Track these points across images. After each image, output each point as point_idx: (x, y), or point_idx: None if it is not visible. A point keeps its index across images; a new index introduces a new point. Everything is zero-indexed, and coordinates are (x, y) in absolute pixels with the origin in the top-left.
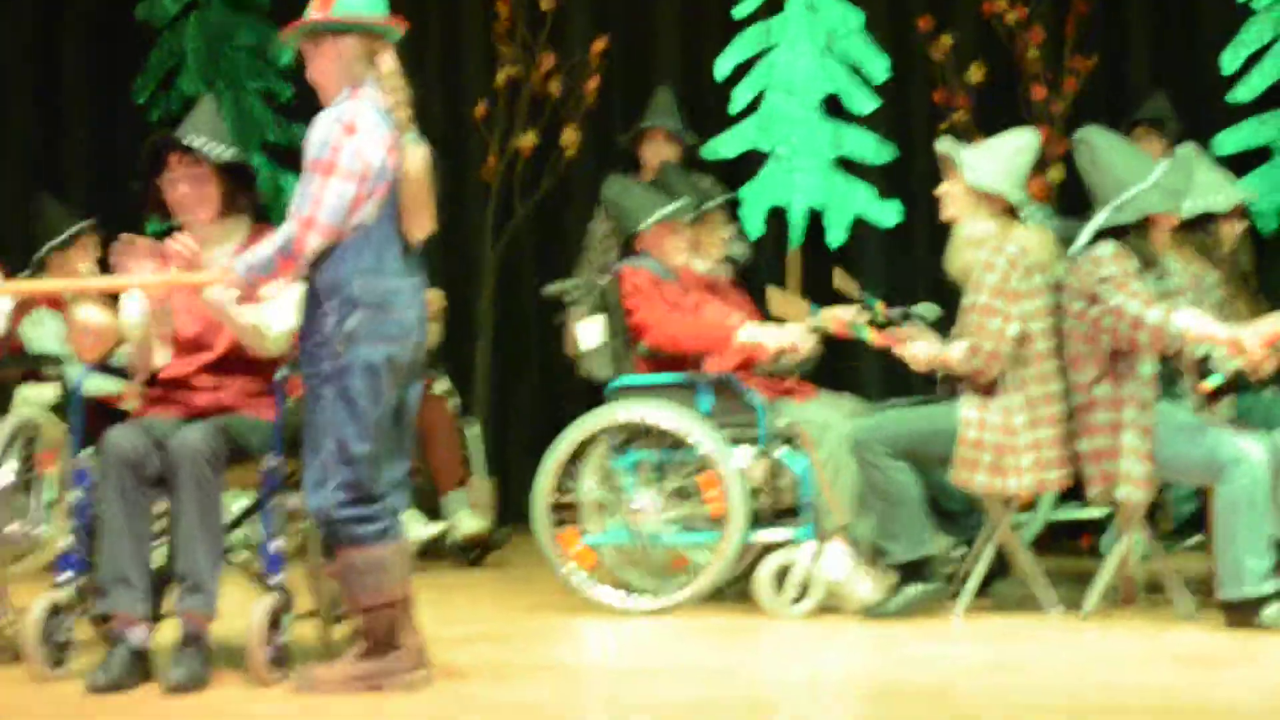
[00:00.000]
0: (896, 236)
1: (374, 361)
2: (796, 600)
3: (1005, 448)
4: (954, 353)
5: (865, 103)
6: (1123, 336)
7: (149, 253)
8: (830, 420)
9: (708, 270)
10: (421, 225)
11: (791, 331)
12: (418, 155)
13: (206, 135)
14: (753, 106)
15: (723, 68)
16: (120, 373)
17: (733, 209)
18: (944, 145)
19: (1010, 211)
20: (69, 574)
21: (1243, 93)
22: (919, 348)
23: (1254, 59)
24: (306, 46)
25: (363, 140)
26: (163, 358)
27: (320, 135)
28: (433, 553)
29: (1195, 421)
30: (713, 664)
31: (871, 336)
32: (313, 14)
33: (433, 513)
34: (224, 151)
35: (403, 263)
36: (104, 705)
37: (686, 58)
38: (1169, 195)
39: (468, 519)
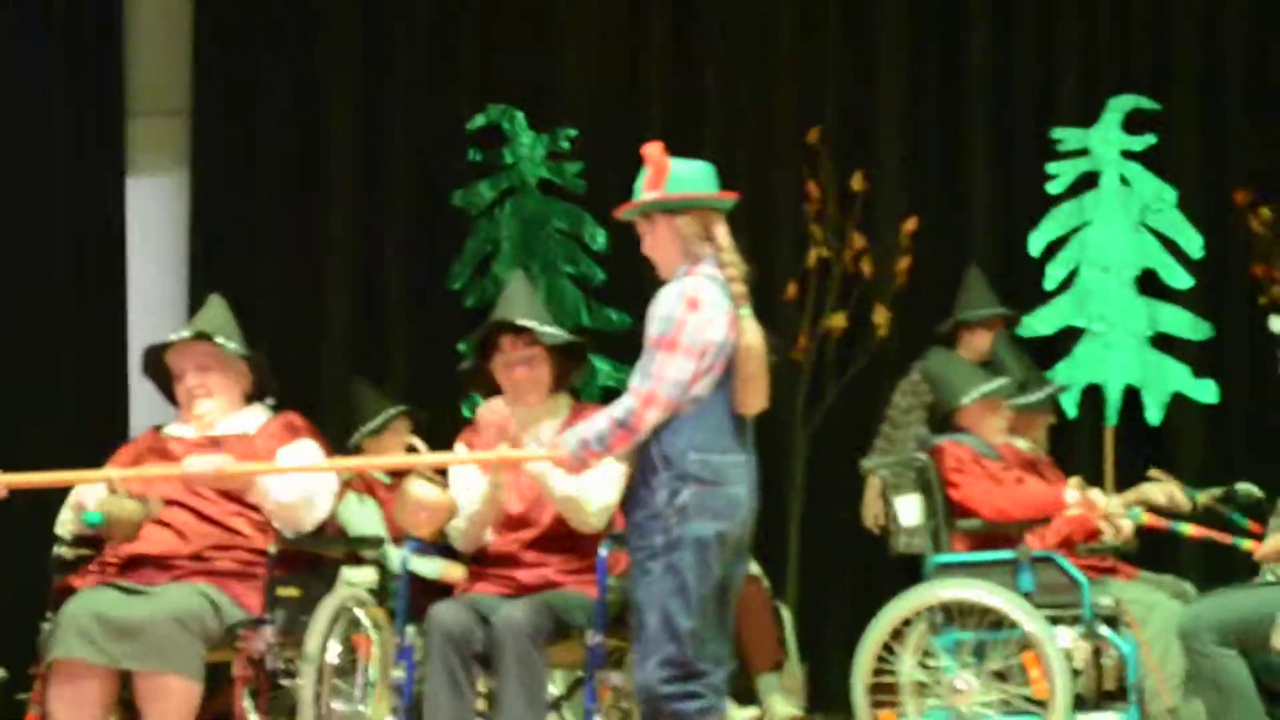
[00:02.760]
0: (1212, 415)
1: (704, 536)
2: None
3: None
4: None
5: (1180, 279)
6: None
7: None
8: (1155, 599)
9: (1029, 449)
10: (755, 401)
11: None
12: (753, 330)
13: (533, 317)
14: (1067, 283)
15: (1036, 244)
16: (443, 551)
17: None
18: (1277, 324)
19: None
20: None
21: None
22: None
23: None
24: (642, 224)
25: (704, 316)
26: (489, 535)
27: (664, 310)
28: None
29: None
30: None
31: (1190, 531)
32: (646, 193)
33: (743, 696)
34: (558, 335)
35: (735, 438)
36: None
37: (999, 235)
38: None
39: (781, 703)
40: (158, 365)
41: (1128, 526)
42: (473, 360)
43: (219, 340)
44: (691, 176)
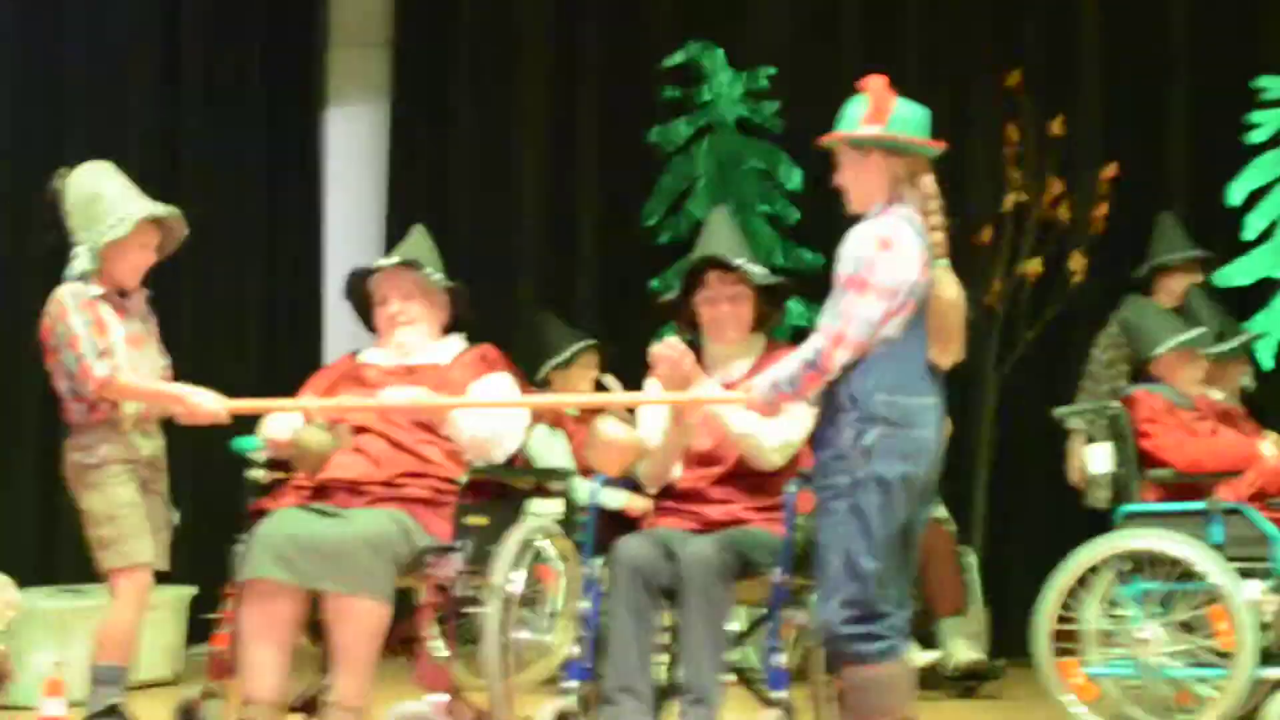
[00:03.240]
0: None
1: (889, 478)
2: None
3: None
4: None
5: None
6: None
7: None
8: None
9: (1224, 399)
10: (950, 352)
11: None
12: (951, 283)
13: (738, 255)
14: (1266, 234)
15: (1236, 194)
16: (630, 485)
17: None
18: None
19: None
20: (574, 683)
21: None
22: None
23: None
24: (849, 154)
25: (897, 257)
26: (676, 471)
27: (855, 250)
28: (927, 682)
29: None
30: None
31: None
32: (864, 125)
33: (926, 639)
34: (767, 276)
35: (925, 381)
36: None
37: (1197, 183)
38: None
39: (963, 648)
40: (359, 290)
41: None
42: (677, 293)
43: (426, 270)
44: (913, 119)
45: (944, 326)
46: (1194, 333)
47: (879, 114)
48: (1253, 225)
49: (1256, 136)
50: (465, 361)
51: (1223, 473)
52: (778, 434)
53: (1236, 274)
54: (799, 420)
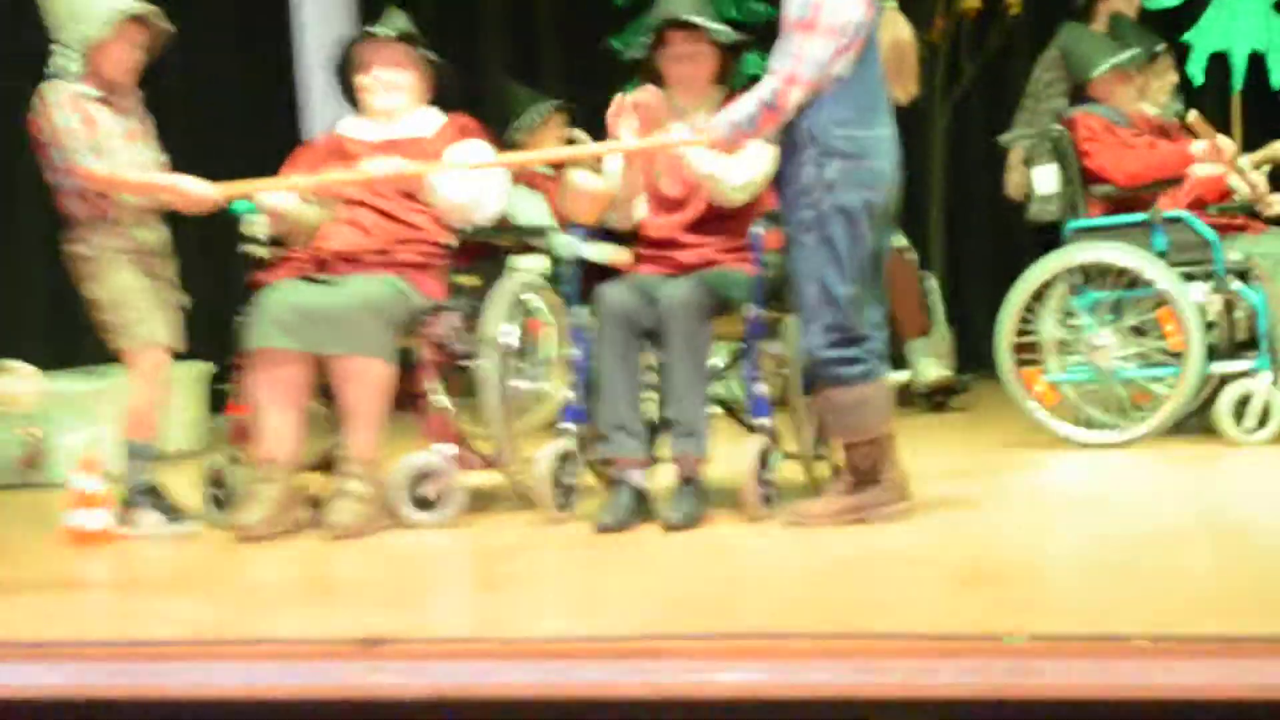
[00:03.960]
0: None
1: (852, 207)
2: (1257, 428)
3: None
4: None
5: None
6: None
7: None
8: None
9: (1157, 114)
10: (906, 88)
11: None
12: (901, 22)
13: (699, 13)
14: None
15: None
16: (606, 236)
17: (1179, 55)
18: None
19: None
20: (571, 424)
21: None
22: None
23: None
24: None
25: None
26: (640, 211)
27: None
28: (898, 399)
29: None
30: (1179, 490)
31: None
32: None
33: (895, 361)
34: (728, 33)
35: (878, 114)
36: (610, 542)
37: None
38: None
39: (931, 366)
40: (344, 61)
41: (1261, 182)
42: (642, 51)
43: (419, 45)
44: None
45: (898, 64)
46: (1127, 54)
47: None
48: None
49: None
50: (444, 133)
51: (1162, 183)
52: (740, 173)
53: None
54: (760, 159)
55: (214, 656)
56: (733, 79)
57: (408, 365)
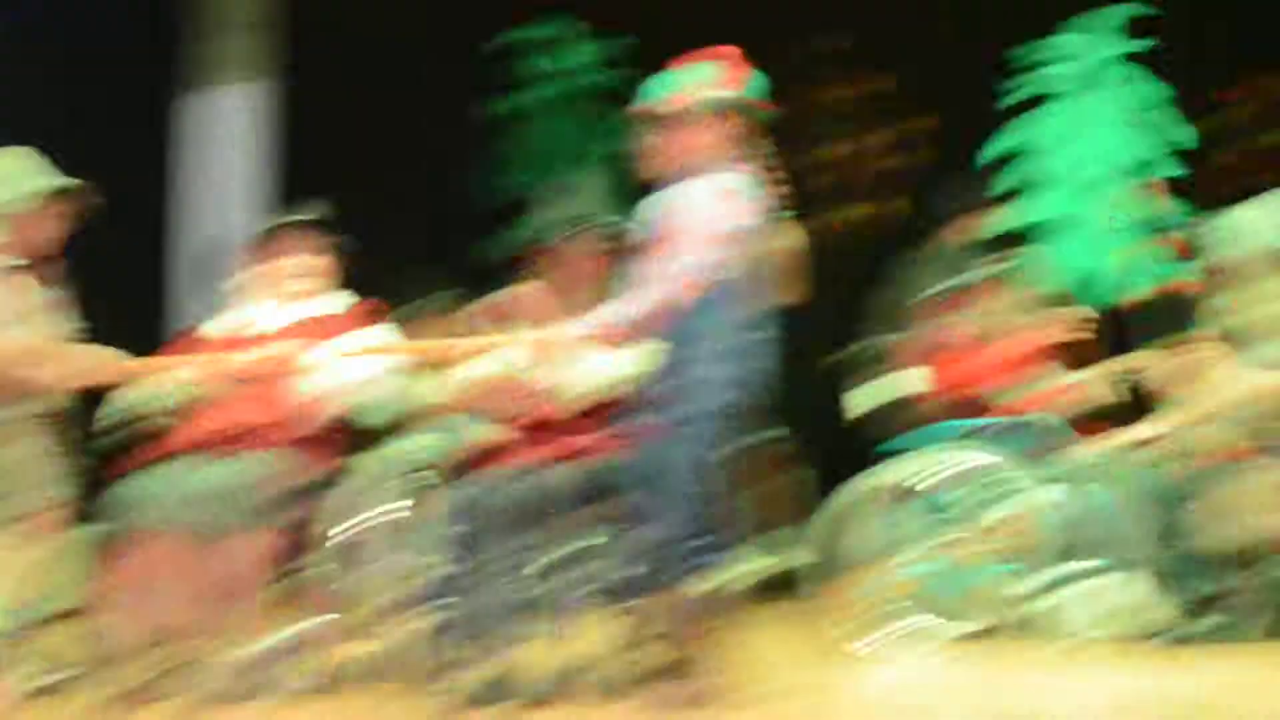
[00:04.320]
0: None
1: (728, 405)
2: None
3: None
4: None
5: (1172, 169)
6: None
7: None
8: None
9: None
10: (793, 292)
11: None
12: (792, 231)
13: (607, 215)
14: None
15: (995, 145)
16: (494, 420)
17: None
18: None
19: None
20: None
21: None
22: None
23: None
24: (705, 117)
25: (736, 206)
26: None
27: (699, 199)
28: (760, 588)
29: None
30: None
31: None
32: (723, 89)
33: (759, 549)
34: (620, 230)
35: (759, 318)
36: None
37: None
38: None
39: (794, 556)
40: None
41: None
42: (551, 245)
43: (326, 231)
44: (759, 86)
45: (785, 269)
46: (951, 281)
47: (737, 80)
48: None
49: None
50: (349, 316)
51: (994, 391)
52: (582, 384)
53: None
54: (621, 363)
55: None
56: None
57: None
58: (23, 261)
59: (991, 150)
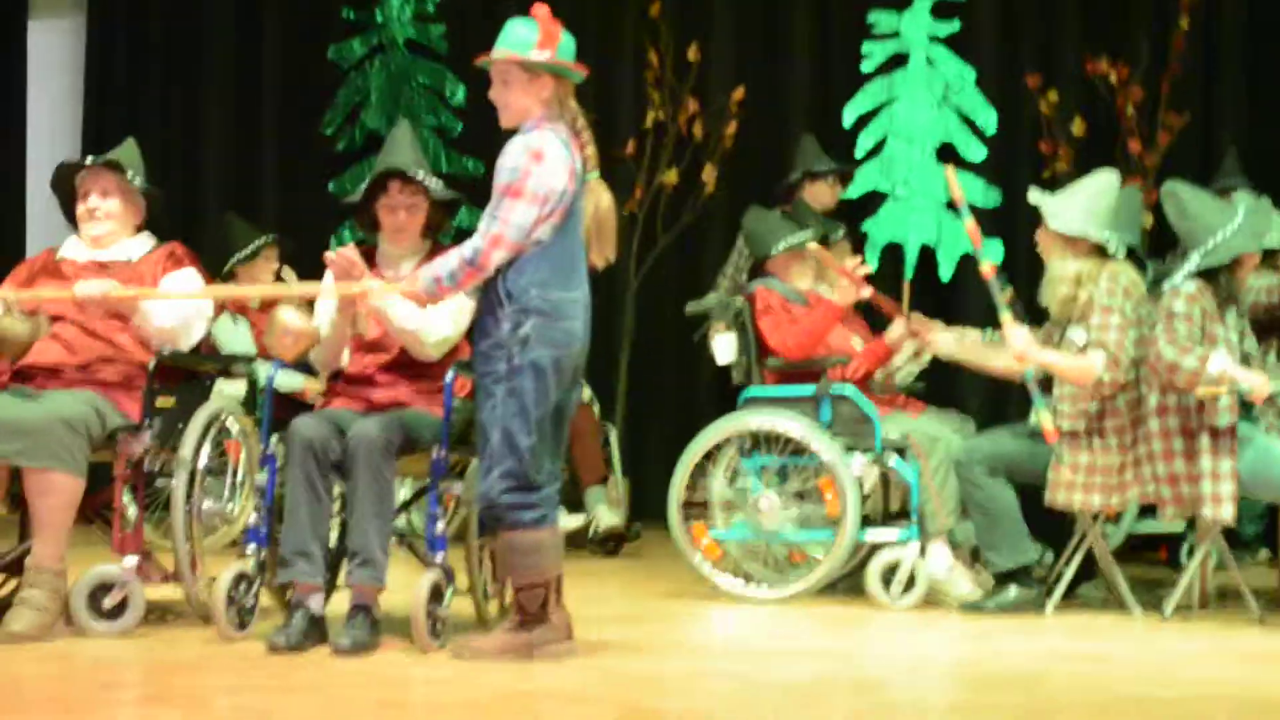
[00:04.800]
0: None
1: (543, 364)
2: (902, 594)
3: (1096, 469)
4: (1094, 360)
5: (976, 151)
6: (1161, 377)
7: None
8: (939, 433)
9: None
10: (605, 254)
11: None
12: (604, 192)
13: (419, 167)
14: (875, 151)
15: (849, 116)
16: (305, 369)
17: (857, 243)
18: (1034, 196)
19: (1099, 249)
20: (254, 547)
21: None
22: (1053, 356)
23: None
24: (515, 74)
25: (548, 167)
26: (345, 357)
27: (511, 161)
28: (573, 543)
29: (1269, 442)
30: (826, 647)
31: (1004, 309)
32: (535, 51)
33: (574, 506)
34: (445, 191)
35: (574, 278)
36: (281, 663)
37: (816, 106)
38: (1254, 237)
39: (606, 513)
40: (64, 185)
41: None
42: (361, 197)
43: (129, 173)
44: (570, 47)
45: (598, 231)
46: (802, 235)
47: (549, 41)
48: (863, 144)
49: (867, 66)
50: (154, 258)
51: (817, 355)
52: (436, 331)
53: (849, 187)
54: (458, 315)
55: None
56: (442, 234)
57: (100, 480)
58: None
59: (849, 113)
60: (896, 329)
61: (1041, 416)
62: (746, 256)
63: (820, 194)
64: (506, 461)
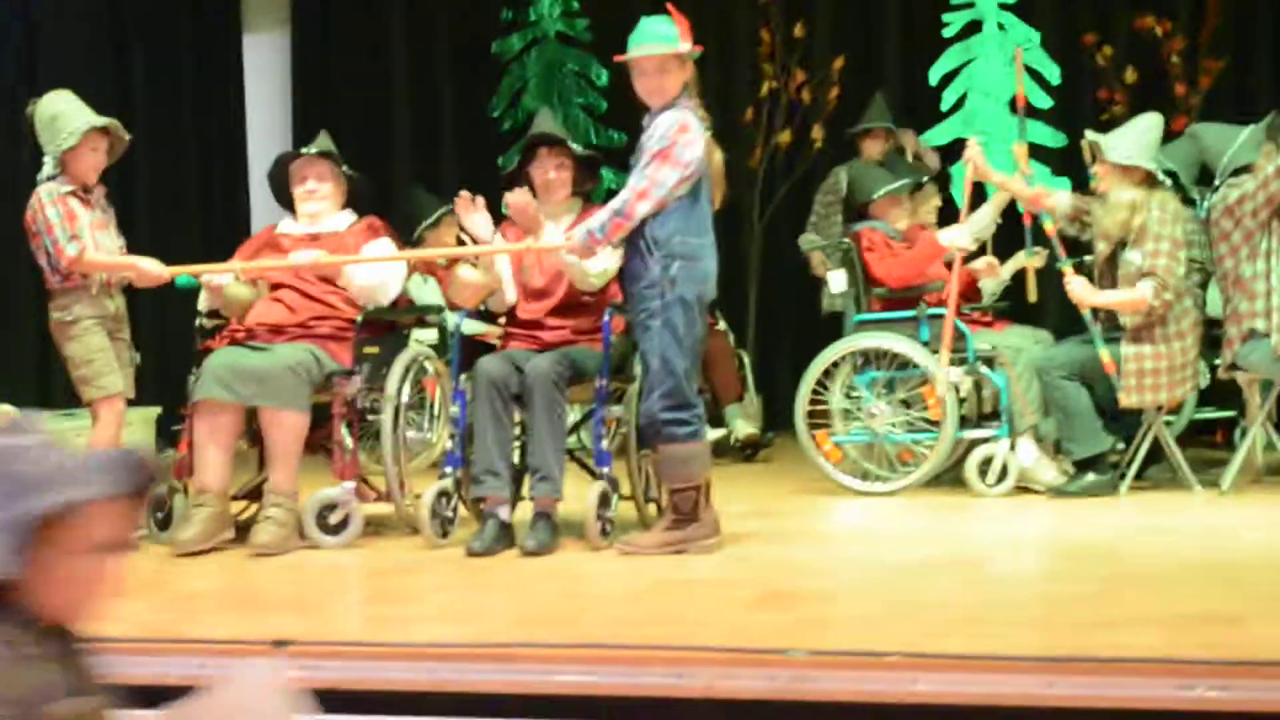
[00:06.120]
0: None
1: (689, 299)
2: (996, 483)
3: (1160, 370)
4: (1144, 290)
5: (1044, 101)
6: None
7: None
8: (1022, 345)
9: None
10: (718, 198)
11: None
12: (717, 150)
13: (566, 136)
14: (958, 105)
15: (934, 76)
16: (488, 317)
17: (943, 184)
18: (1090, 135)
19: (1150, 178)
20: (450, 468)
21: None
22: (1108, 295)
23: None
24: (667, 62)
25: (691, 139)
26: (513, 297)
27: (663, 130)
28: (717, 452)
29: None
30: (933, 531)
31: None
32: (681, 42)
33: (715, 421)
34: (581, 150)
35: (706, 226)
36: (478, 564)
37: (907, 69)
38: (1253, 148)
39: (743, 425)
40: (280, 174)
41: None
42: (515, 165)
43: (337, 159)
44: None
45: (714, 182)
46: (900, 183)
47: (687, 33)
48: (947, 99)
49: (947, 32)
50: (357, 230)
51: (924, 283)
52: (597, 264)
53: (936, 136)
54: (610, 258)
55: (153, 651)
56: (592, 193)
57: (321, 417)
58: (72, 188)
59: (934, 74)
60: (980, 263)
61: (1101, 353)
62: (830, 201)
63: (870, 148)
64: (666, 383)
